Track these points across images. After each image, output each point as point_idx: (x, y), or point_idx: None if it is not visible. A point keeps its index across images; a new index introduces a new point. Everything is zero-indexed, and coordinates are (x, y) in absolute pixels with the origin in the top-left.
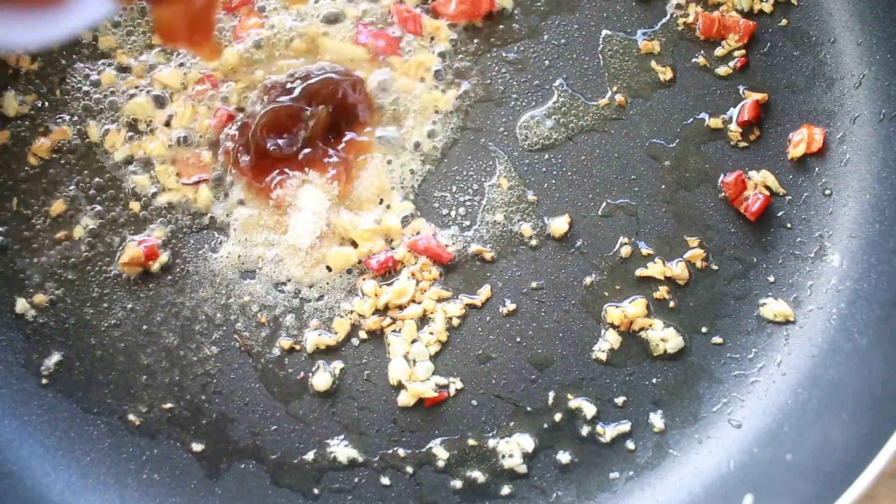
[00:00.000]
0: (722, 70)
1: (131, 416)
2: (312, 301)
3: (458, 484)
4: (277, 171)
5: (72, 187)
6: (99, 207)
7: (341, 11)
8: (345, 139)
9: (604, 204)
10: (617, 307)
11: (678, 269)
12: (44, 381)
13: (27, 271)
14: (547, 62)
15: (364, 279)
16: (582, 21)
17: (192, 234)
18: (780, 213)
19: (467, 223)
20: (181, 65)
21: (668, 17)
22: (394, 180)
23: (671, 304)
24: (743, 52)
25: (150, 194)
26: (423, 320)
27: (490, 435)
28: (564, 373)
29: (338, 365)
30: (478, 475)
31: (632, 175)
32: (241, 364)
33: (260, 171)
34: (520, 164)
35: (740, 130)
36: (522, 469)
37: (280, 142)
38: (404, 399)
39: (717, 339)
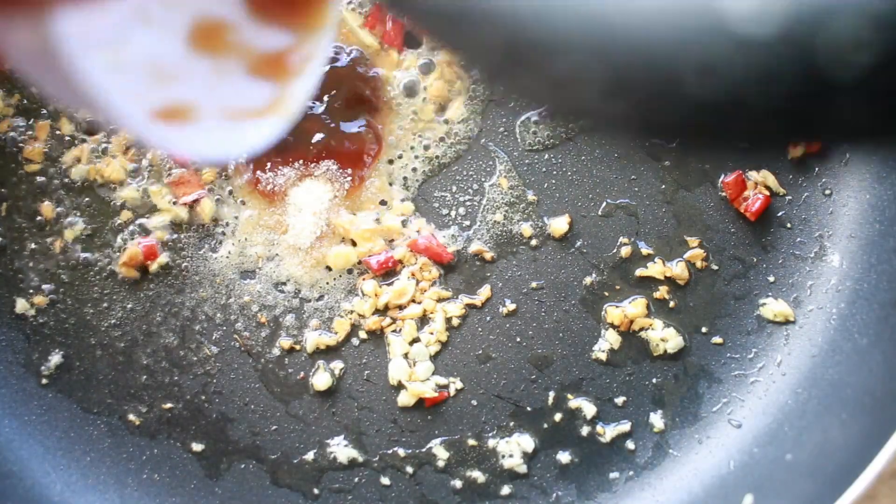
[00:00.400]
0: None
1: (131, 416)
2: (312, 301)
3: (458, 484)
4: (283, 162)
5: (70, 193)
6: (95, 211)
7: None
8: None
9: (604, 204)
10: (617, 307)
11: (678, 269)
12: (44, 381)
13: (26, 271)
14: None
15: (364, 279)
16: None
17: (191, 234)
18: (780, 213)
19: (467, 223)
20: None
21: None
22: (394, 180)
23: (671, 304)
24: None
25: (143, 213)
26: (423, 320)
27: (490, 435)
28: (564, 373)
29: (338, 365)
30: (478, 475)
31: (632, 175)
32: (241, 364)
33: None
34: (520, 164)
35: None
36: (522, 469)
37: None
38: (404, 399)
39: (717, 339)
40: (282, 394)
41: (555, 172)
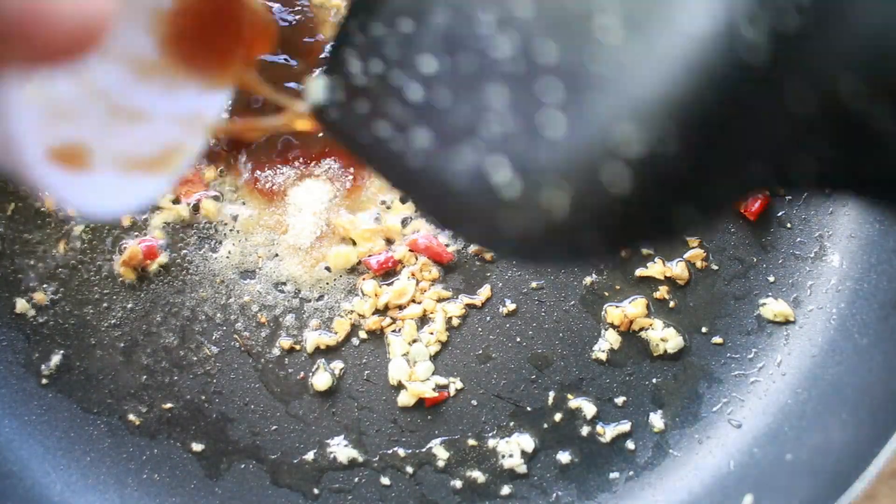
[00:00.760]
0: None
1: (131, 416)
2: (312, 301)
3: (458, 484)
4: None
5: None
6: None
7: None
8: None
9: None
10: (617, 307)
11: (678, 269)
12: (44, 381)
13: (26, 271)
14: None
15: (364, 279)
16: None
17: (191, 234)
18: (780, 213)
19: None
20: None
21: None
22: None
23: (671, 304)
24: None
25: (144, 213)
26: (423, 320)
27: (490, 435)
28: (564, 373)
29: (338, 365)
30: (478, 475)
31: None
32: (241, 364)
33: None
34: None
35: None
36: (522, 469)
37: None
38: (404, 399)
39: (717, 339)
40: (282, 394)
41: None
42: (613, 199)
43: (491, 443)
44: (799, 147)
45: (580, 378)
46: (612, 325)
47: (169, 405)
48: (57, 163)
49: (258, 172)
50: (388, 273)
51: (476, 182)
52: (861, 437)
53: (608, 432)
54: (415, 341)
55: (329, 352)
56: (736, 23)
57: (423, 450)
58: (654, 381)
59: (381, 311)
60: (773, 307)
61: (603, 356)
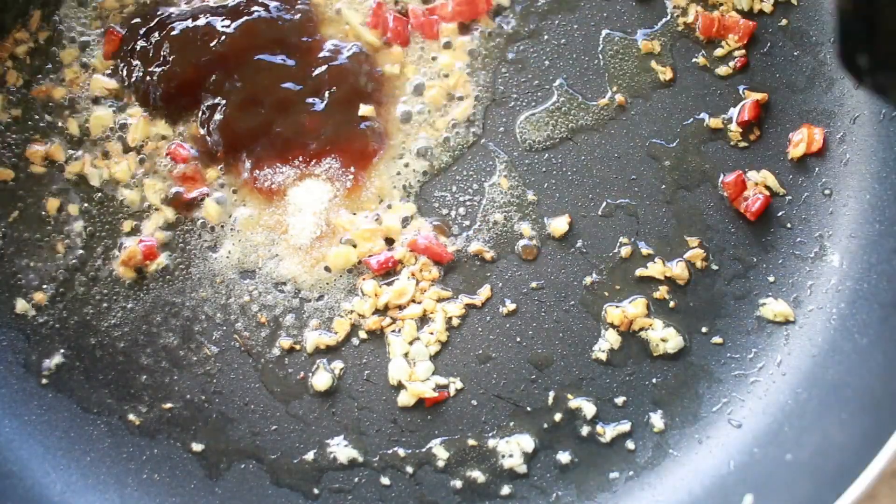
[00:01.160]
0: (722, 70)
1: (131, 416)
2: (312, 301)
3: (458, 484)
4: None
5: (69, 193)
6: (95, 211)
7: None
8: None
9: (604, 204)
10: (617, 307)
11: (678, 269)
12: (44, 381)
13: (27, 272)
14: (547, 62)
15: (364, 279)
16: (582, 21)
17: (191, 234)
18: (780, 213)
19: (467, 223)
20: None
21: (668, 16)
22: (395, 180)
23: (671, 304)
24: (743, 52)
25: (143, 210)
26: (423, 320)
27: (490, 435)
28: (564, 373)
29: (338, 365)
30: (478, 475)
31: (632, 175)
32: (241, 364)
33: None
34: (520, 164)
35: (740, 130)
36: (522, 469)
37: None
38: (404, 399)
39: (717, 339)
40: (282, 394)
41: (555, 172)
42: None
43: (491, 443)
44: None
45: (580, 378)
46: (612, 325)
47: (169, 405)
48: None
49: (258, 172)
50: (388, 273)
51: None
52: (861, 437)
53: (608, 432)
54: (415, 341)
55: (329, 352)
56: None
57: (423, 450)
58: (654, 381)
59: (381, 311)
60: (773, 307)
61: (603, 356)
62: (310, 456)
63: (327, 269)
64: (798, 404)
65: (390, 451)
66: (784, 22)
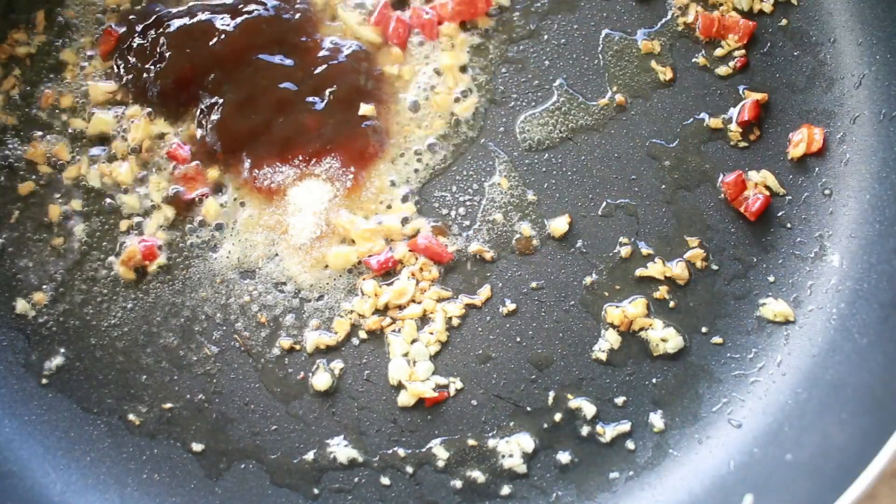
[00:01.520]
0: (722, 70)
1: (131, 416)
2: (312, 301)
3: (458, 484)
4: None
5: (70, 194)
6: (95, 211)
7: None
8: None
9: (604, 204)
10: (617, 307)
11: (678, 269)
12: (44, 381)
13: (27, 272)
14: (547, 62)
15: (364, 279)
16: (582, 21)
17: (191, 234)
18: (780, 213)
19: (467, 223)
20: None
21: (668, 17)
22: (395, 180)
23: (671, 304)
24: (743, 52)
25: (143, 210)
26: (423, 320)
27: (490, 435)
28: (564, 373)
29: (338, 365)
30: (478, 475)
31: (632, 175)
32: (241, 364)
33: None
34: (520, 164)
35: (740, 130)
36: (522, 469)
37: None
38: (404, 399)
39: (717, 339)
40: (282, 394)
41: (555, 172)
42: None
43: (491, 443)
44: None
45: (580, 378)
46: (612, 325)
47: (169, 405)
48: None
49: (257, 171)
50: (388, 273)
51: None
52: (861, 437)
53: (608, 432)
54: (415, 341)
55: (329, 352)
56: None
57: (423, 450)
58: (654, 381)
59: (381, 311)
60: (773, 307)
61: (603, 356)
62: (310, 456)
63: (327, 269)
64: (798, 404)
65: (390, 451)
66: (784, 22)
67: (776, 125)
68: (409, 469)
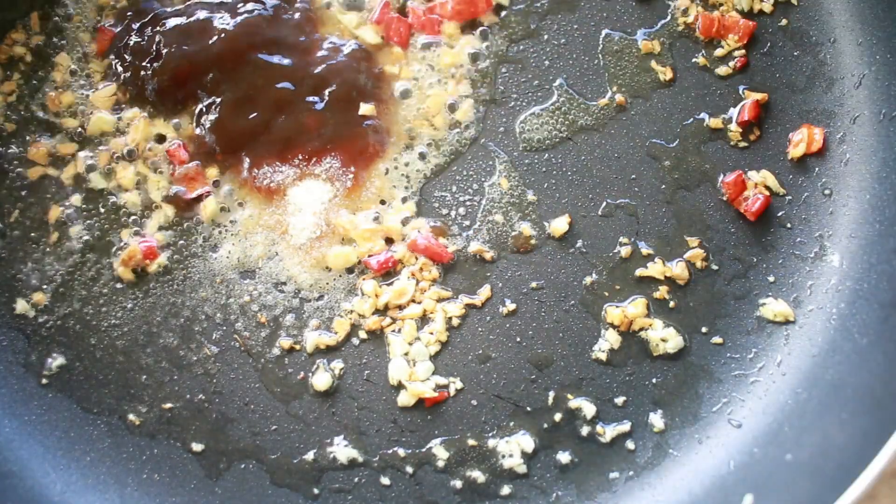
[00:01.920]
0: (722, 70)
1: (131, 416)
2: (312, 301)
3: (458, 484)
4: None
5: (70, 194)
6: (95, 211)
7: None
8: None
9: (604, 204)
10: (617, 307)
11: (678, 269)
12: (44, 381)
13: (27, 272)
14: (547, 62)
15: (364, 279)
16: (582, 21)
17: (192, 233)
18: (780, 213)
19: (467, 223)
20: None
21: (668, 17)
22: (395, 180)
23: (671, 304)
24: (743, 52)
25: (142, 211)
26: (423, 320)
27: (490, 435)
28: (564, 373)
29: (338, 365)
30: (478, 475)
31: (632, 175)
32: (241, 364)
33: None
34: (520, 164)
35: (740, 130)
36: (522, 469)
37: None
38: (404, 399)
39: (717, 339)
40: (282, 394)
41: (555, 172)
42: None
43: (491, 443)
44: None
45: (580, 378)
46: (612, 325)
47: (169, 405)
48: None
49: (257, 171)
50: (388, 273)
51: None
52: (861, 437)
53: (608, 432)
54: (415, 341)
55: (329, 352)
56: None
57: (423, 450)
58: (654, 381)
59: (381, 311)
60: (773, 307)
61: (603, 356)
62: (310, 456)
63: (327, 268)
64: (798, 404)
65: (390, 451)
66: (784, 22)
67: (776, 125)
68: (409, 469)
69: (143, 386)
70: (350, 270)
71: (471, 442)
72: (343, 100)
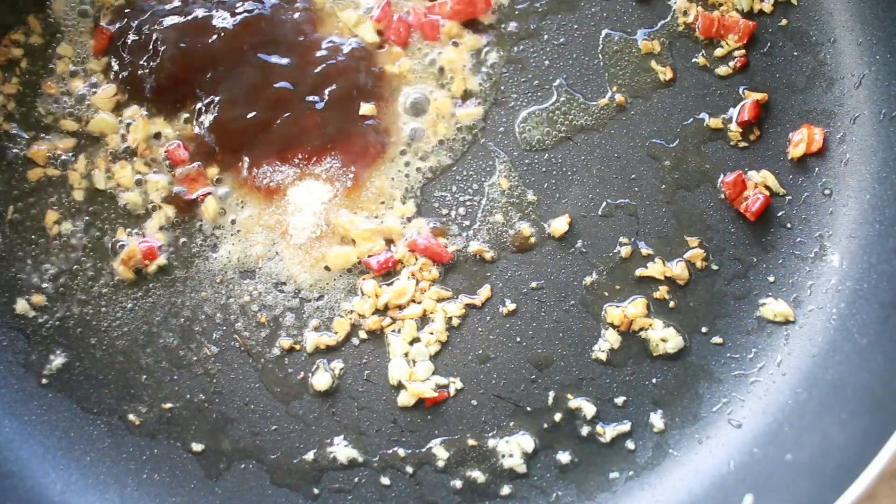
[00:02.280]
0: (722, 70)
1: (131, 416)
2: (312, 301)
3: (458, 484)
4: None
5: (70, 194)
6: (95, 211)
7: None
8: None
9: (604, 204)
10: (617, 307)
11: (678, 269)
12: (44, 381)
13: (27, 272)
14: (547, 62)
15: (364, 279)
16: (582, 21)
17: (192, 233)
18: (780, 213)
19: (467, 223)
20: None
21: (668, 17)
22: (395, 180)
23: (671, 304)
24: (743, 52)
25: (142, 212)
26: (423, 320)
27: (490, 435)
28: (564, 373)
29: (338, 365)
30: (478, 475)
31: (632, 175)
32: (241, 364)
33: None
34: (520, 164)
35: (740, 130)
36: (522, 469)
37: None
38: (404, 399)
39: (717, 339)
40: (282, 394)
41: (555, 172)
42: None
43: (491, 443)
44: None
45: (580, 378)
46: (612, 325)
47: (169, 405)
48: None
49: (256, 171)
50: (388, 273)
51: None
52: (861, 437)
53: (608, 432)
54: (415, 341)
55: (329, 352)
56: None
57: (423, 450)
58: (654, 381)
59: (381, 311)
60: (773, 307)
61: (603, 356)
62: (310, 456)
63: (327, 269)
64: (798, 404)
65: (390, 451)
66: (784, 22)
67: (776, 125)
68: (409, 469)
69: (143, 386)
70: (350, 270)
71: (471, 442)
72: (343, 99)
